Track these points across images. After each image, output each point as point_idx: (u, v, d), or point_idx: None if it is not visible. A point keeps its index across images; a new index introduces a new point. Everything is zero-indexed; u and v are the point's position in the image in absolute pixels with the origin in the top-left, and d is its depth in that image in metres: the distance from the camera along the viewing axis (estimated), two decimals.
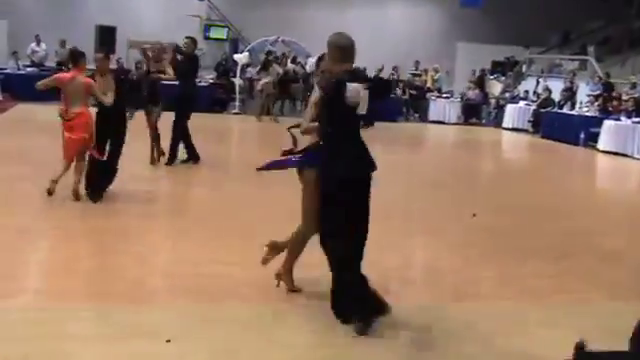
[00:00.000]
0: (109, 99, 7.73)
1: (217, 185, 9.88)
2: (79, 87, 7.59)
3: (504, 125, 21.79)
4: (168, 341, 4.22)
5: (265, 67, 20.04)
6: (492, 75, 24.80)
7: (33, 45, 21.42)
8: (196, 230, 6.98)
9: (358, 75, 4.72)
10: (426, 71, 23.40)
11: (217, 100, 20.21)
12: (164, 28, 22.36)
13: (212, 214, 7.88)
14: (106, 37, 20.47)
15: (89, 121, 7.73)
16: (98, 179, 7.89)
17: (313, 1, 25.10)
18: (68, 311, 4.64)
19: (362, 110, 4.53)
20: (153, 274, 5.65)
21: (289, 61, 21.74)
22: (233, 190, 9.46)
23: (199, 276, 5.49)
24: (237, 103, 20.81)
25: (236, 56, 21.27)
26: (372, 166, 4.70)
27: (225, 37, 24.46)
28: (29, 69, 20.55)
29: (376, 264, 5.16)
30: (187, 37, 11.12)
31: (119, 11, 23.06)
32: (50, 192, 7.53)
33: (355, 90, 4.47)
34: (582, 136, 17.86)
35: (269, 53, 20.82)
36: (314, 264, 5.01)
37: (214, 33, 24.46)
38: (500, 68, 25.20)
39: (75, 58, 7.85)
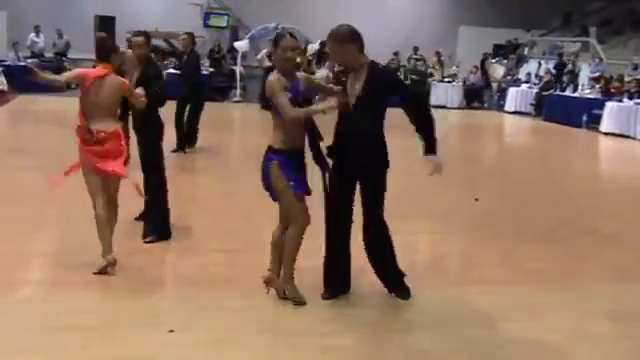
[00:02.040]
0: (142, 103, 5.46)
1: (219, 173, 9.87)
2: (111, 90, 5.21)
3: (506, 108, 21.72)
4: (171, 331, 4.23)
5: (320, 60, 19.92)
6: (494, 58, 24.70)
7: (32, 36, 21.34)
8: (199, 218, 6.98)
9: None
10: (422, 59, 23.21)
11: (217, 89, 20.15)
12: (164, 17, 22.32)
13: (214, 202, 7.88)
14: (105, 27, 20.41)
15: (124, 146, 5.34)
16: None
17: None
18: (72, 302, 4.65)
19: None
20: (156, 264, 5.66)
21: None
22: (235, 177, 9.45)
23: (202, 265, 5.50)
24: (238, 91, 20.75)
25: (236, 44, 21.22)
26: None
27: (225, 25, 24.37)
28: (29, 60, 20.51)
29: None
30: (185, 33, 11.14)
31: (118, 1, 22.96)
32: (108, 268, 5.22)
33: None
34: (584, 118, 17.80)
35: (323, 44, 20.43)
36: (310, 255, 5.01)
37: (214, 21, 24.37)
38: (502, 51, 25.08)
39: (106, 51, 5.34)
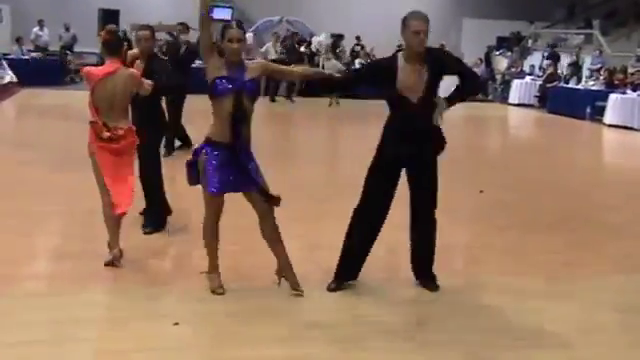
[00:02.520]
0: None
1: None
2: (125, 84, 5.13)
3: (510, 101, 21.70)
4: (176, 324, 4.24)
5: (335, 49, 19.97)
6: (498, 51, 24.66)
7: (36, 30, 21.37)
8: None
9: None
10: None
11: None
12: (168, 10, 22.30)
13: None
14: (109, 21, 20.41)
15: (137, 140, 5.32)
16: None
17: None
18: (77, 296, 4.68)
19: None
20: (159, 257, 5.68)
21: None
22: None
23: (205, 258, 5.51)
24: None
25: None
26: None
27: (230, 18, 24.30)
28: (33, 54, 20.56)
29: (386, 240, 5.18)
30: (179, 24, 11.04)
31: None
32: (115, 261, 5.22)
33: None
34: (588, 110, 17.78)
35: (358, 38, 20.31)
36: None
37: (218, 14, 24.31)
38: (505, 44, 25.05)
39: (115, 45, 5.23)
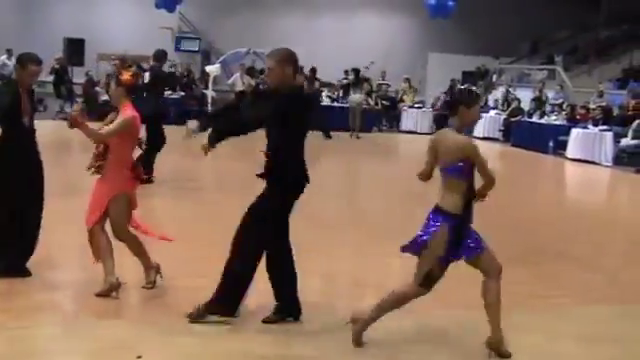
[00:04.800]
0: None
1: (190, 199, 9.82)
2: None
3: (475, 134, 21.89)
4: (139, 357, 4.18)
5: (357, 83, 20.22)
6: (462, 85, 25.02)
7: (4, 58, 21.20)
8: (172, 244, 6.92)
9: None
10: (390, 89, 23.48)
11: (188, 112, 20.01)
12: (135, 40, 22.25)
13: (188, 227, 7.84)
14: (74, 50, 20.35)
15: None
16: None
17: (284, 12, 25.15)
18: (39, 327, 4.58)
19: None
20: (125, 288, 5.60)
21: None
22: (209, 204, 9.42)
23: (173, 289, 5.46)
24: None
25: (208, 68, 21.25)
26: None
27: (197, 49, 24.42)
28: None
29: (354, 274, 5.18)
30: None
31: (88, 23, 22.87)
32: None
33: None
34: (551, 144, 18.08)
35: (357, 71, 20.64)
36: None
37: (186, 45, 24.40)
38: (471, 78, 25.45)
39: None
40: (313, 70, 19.42)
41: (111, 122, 5.19)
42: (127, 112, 5.20)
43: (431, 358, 4.55)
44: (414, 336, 4.87)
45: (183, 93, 20.35)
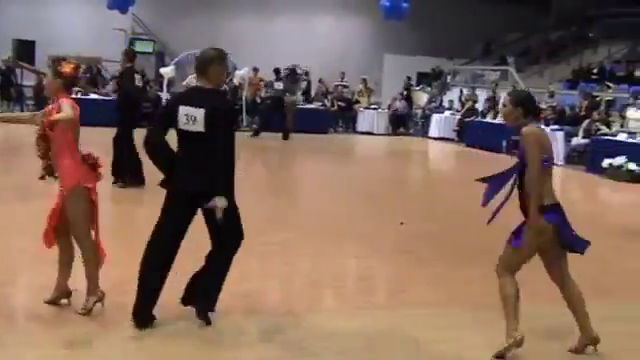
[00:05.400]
0: None
1: (140, 202, 9.70)
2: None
3: (430, 134, 22.19)
4: None
5: (294, 83, 20.25)
6: (418, 86, 25.27)
7: None
8: (123, 247, 6.83)
9: None
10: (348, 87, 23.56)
11: (143, 115, 19.78)
12: (87, 42, 21.94)
13: (136, 232, 7.73)
14: (24, 52, 19.92)
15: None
16: None
17: (239, 14, 25.03)
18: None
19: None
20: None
21: None
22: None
23: (121, 295, 5.37)
24: None
25: (162, 70, 21.05)
26: None
27: (152, 51, 24.14)
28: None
29: (309, 273, 5.18)
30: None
31: (39, 25, 22.37)
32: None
33: None
34: (504, 144, 18.34)
35: (292, 71, 20.60)
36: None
37: (140, 47, 24.08)
38: (426, 79, 25.71)
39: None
40: (255, 70, 19.39)
41: (48, 114, 4.69)
42: (68, 100, 4.70)
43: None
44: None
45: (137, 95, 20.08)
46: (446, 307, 5.60)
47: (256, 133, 18.96)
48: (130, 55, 11.04)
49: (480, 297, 5.90)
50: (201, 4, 24.20)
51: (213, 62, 4.85)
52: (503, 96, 21.04)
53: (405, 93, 23.86)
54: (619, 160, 14.43)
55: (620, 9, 23.45)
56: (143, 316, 4.64)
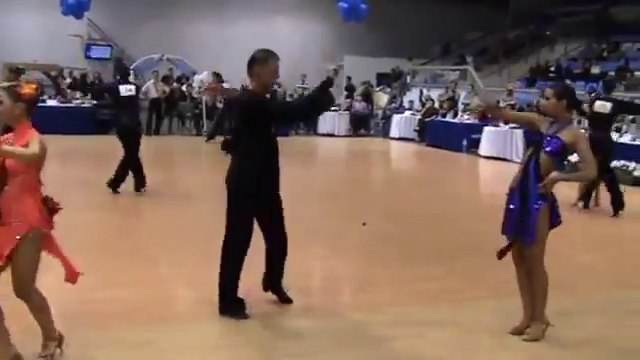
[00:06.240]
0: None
1: (110, 207, 9.60)
2: None
3: (391, 135, 22.32)
4: None
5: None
6: (378, 87, 25.41)
7: None
8: (87, 254, 6.74)
9: None
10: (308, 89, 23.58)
11: (101, 122, 19.51)
12: (43, 48, 21.59)
13: (103, 237, 7.65)
14: None
15: None
16: None
17: (198, 18, 24.86)
18: None
19: None
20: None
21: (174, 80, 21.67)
22: (125, 212, 9.22)
23: (89, 302, 5.31)
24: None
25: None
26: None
27: (109, 56, 23.87)
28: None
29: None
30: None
31: None
32: None
33: None
34: (464, 143, 18.55)
35: (217, 75, 20.32)
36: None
37: (96, 52, 23.82)
38: (386, 80, 25.85)
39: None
40: (216, 75, 19.24)
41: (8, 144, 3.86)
42: (33, 131, 4.00)
43: None
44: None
45: (95, 102, 19.82)
46: (408, 305, 5.64)
47: (211, 137, 18.77)
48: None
49: (439, 294, 5.96)
50: (159, 8, 23.98)
51: (255, 63, 5.33)
52: (463, 95, 21.41)
53: (361, 94, 23.95)
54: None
55: (576, 7, 23.90)
56: (240, 307, 4.99)
